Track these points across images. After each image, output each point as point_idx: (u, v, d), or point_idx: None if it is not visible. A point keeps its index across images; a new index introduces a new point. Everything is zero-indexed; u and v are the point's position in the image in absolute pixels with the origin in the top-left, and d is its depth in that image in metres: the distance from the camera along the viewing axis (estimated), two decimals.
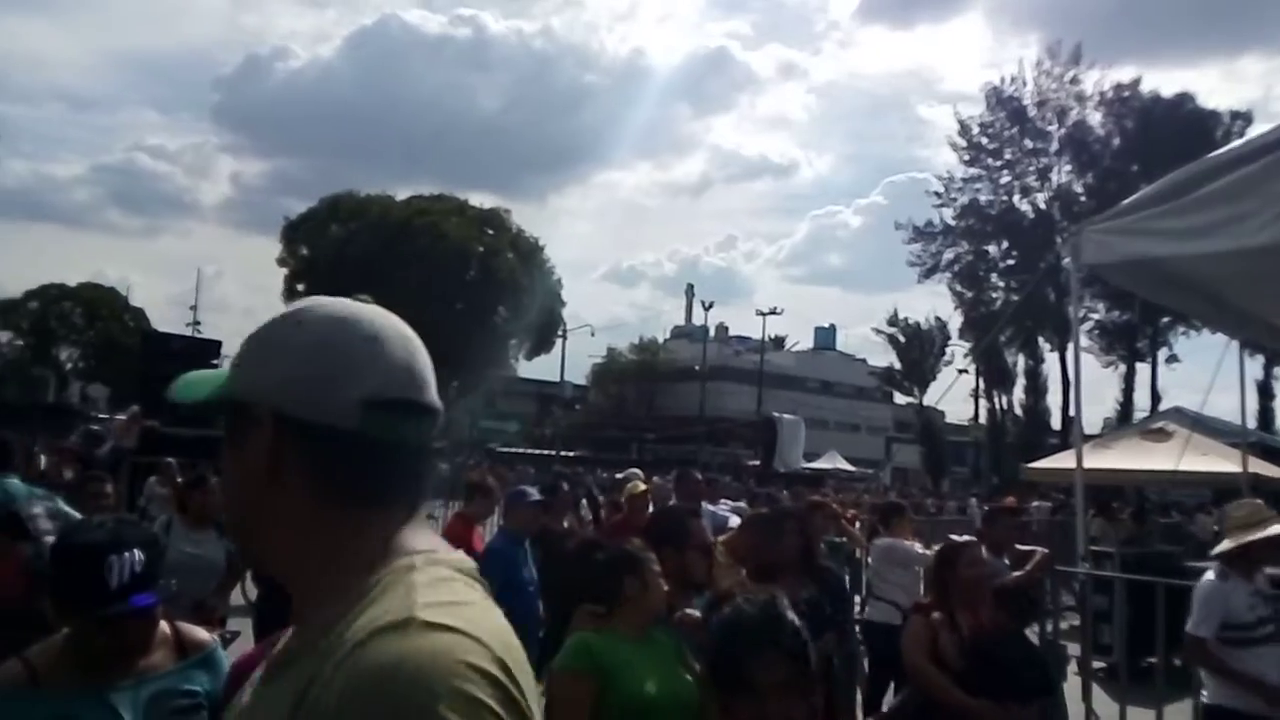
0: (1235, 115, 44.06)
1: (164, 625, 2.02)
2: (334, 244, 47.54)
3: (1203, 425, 13.68)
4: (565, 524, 6.79)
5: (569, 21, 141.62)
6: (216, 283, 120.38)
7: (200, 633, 2.11)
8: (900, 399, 64.67)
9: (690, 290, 73.92)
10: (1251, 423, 12.48)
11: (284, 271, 50.56)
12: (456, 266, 45.21)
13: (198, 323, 48.64)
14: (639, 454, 47.48)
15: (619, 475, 12.17)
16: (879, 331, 59.09)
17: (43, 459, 13.91)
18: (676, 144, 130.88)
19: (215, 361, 17.35)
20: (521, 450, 45.54)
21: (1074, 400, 8.44)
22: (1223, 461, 12.47)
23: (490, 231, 48.71)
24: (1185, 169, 6.18)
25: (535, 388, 61.21)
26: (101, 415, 34.98)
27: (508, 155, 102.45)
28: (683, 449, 47.09)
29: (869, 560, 6.37)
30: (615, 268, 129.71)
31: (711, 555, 3.24)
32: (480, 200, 53.45)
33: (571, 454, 42.81)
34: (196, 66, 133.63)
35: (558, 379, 52.67)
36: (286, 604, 3.74)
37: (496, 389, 55.68)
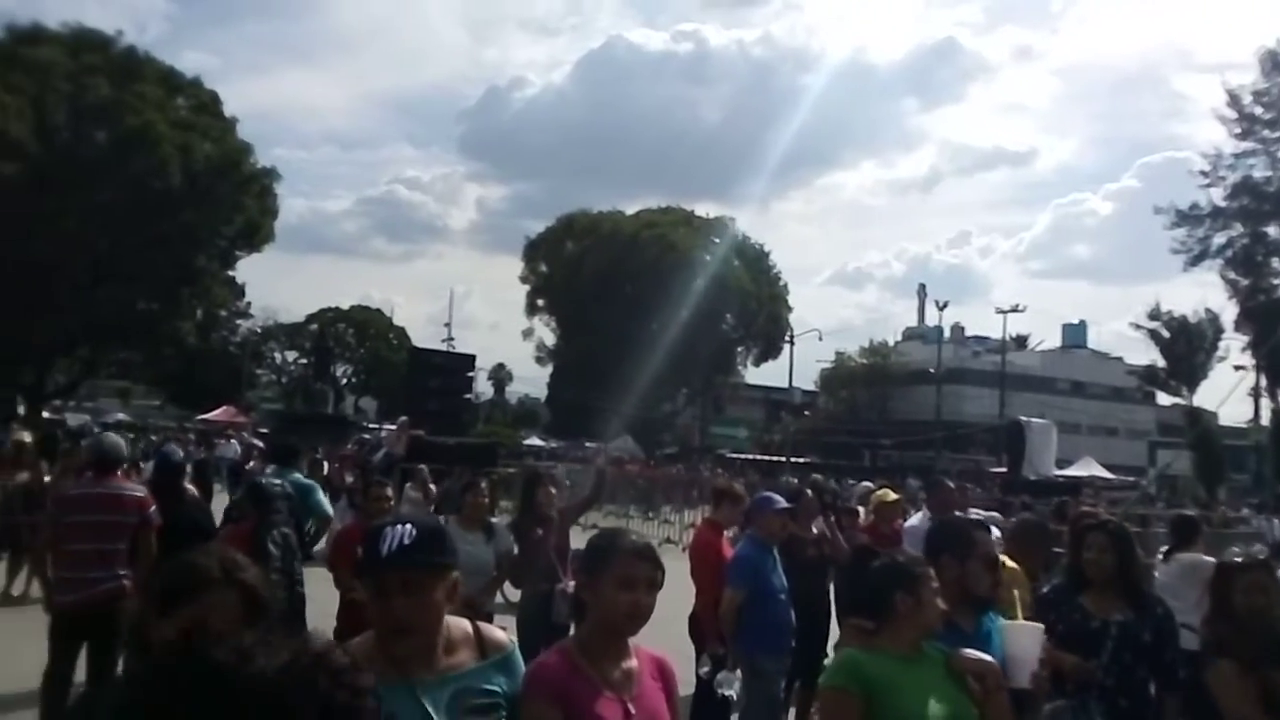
0: None
1: (466, 625, 2.16)
2: (570, 260, 49.78)
3: None
4: (814, 531, 6.69)
5: (789, 26, 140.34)
6: (466, 301, 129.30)
7: (500, 634, 2.23)
8: (1164, 399, 58.84)
9: (922, 290, 71.07)
10: None
11: (525, 288, 53.55)
12: (684, 276, 45.98)
13: (451, 338, 52.34)
14: (871, 460, 46.17)
15: (850, 482, 11.90)
16: (1138, 326, 53.96)
17: (325, 465, 15.52)
18: (903, 139, 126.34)
19: (470, 374, 18.71)
20: (750, 456, 45.49)
21: None
22: None
23: (716, 240, 49.24)
24: None
25: (763, 394, 61.00)
26: (372, 425, 38.47)
27: (731, 164, 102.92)
28: (919, 455, 45.26)
29: (1156, 577, 5.77)
30: (841, 270, 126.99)
31: (998, 569, 3.03)
32: (706, 210, 54.15)
33: (801, 460, 42.26)
34: (443, 102, 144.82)
35: (786, 385, 52.20)
36: (546, 609, 3.92)
37: (725, 396, 56.10)
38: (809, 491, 6.89)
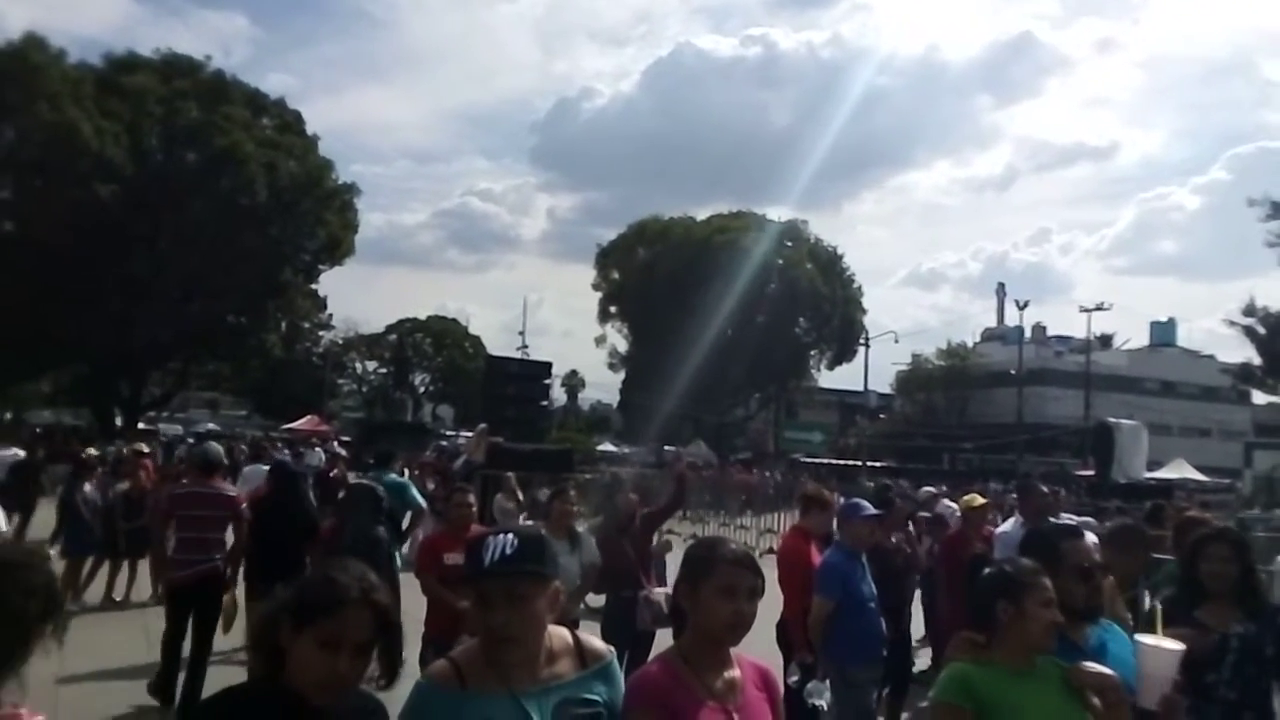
0: None
1: (567, 635, 2.16)
2: (642, 266, 49.94)
3: None
4: (894, 540, 6.57)
5: (858, 26, 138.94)
6: (539, 309, 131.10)
7: (600, 644, 2.23)
8: (1260, 398, 56.26)
9: (1001, 289, 69.52)
10: None
11: (598, 295, 53.89)
12: (757, 280, 45.70)
13: (525, 346, 53.03)
14: (951, 464, 45.21)
15: (927, 488, 11.63)
16: (1231, 323, 51.72)
17: (405, 471, 15.81)
18: (977, 137, 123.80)
19: (546, 381, 18.89)
20: (826, 461, 44.99)
21: None
22: None
23: (789, 244, 48.86)
24: None
25: (838, 397, 60.27)
26: (449, 432, 39.12)
27: (802, 167, 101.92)
28: (1000, 459, 44.16)
29: None
30: (915, 271, 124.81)
31: (1094, 580, 2.92)
32: (778, 214, 53.77)
33: (877, 464, 41.58)
34: (515, 114, 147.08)
35: (860, 388, 51.46)
36: (629, 616, 3.92)
37: (799, 400, 55.57)
38: (897, 499, 6.76)
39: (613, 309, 53.21)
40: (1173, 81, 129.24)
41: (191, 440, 24.91)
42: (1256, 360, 51.14)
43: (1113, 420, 29.93)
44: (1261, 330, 50.17)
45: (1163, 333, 66.84)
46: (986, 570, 2.70)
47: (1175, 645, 2.70)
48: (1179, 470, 33.57)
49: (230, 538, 6.52)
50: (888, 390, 62.51)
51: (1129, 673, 2.71)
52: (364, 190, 46.40)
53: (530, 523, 7.79)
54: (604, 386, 76.74)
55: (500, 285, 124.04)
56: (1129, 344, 63.14)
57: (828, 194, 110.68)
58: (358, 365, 63.02)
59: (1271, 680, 3.48)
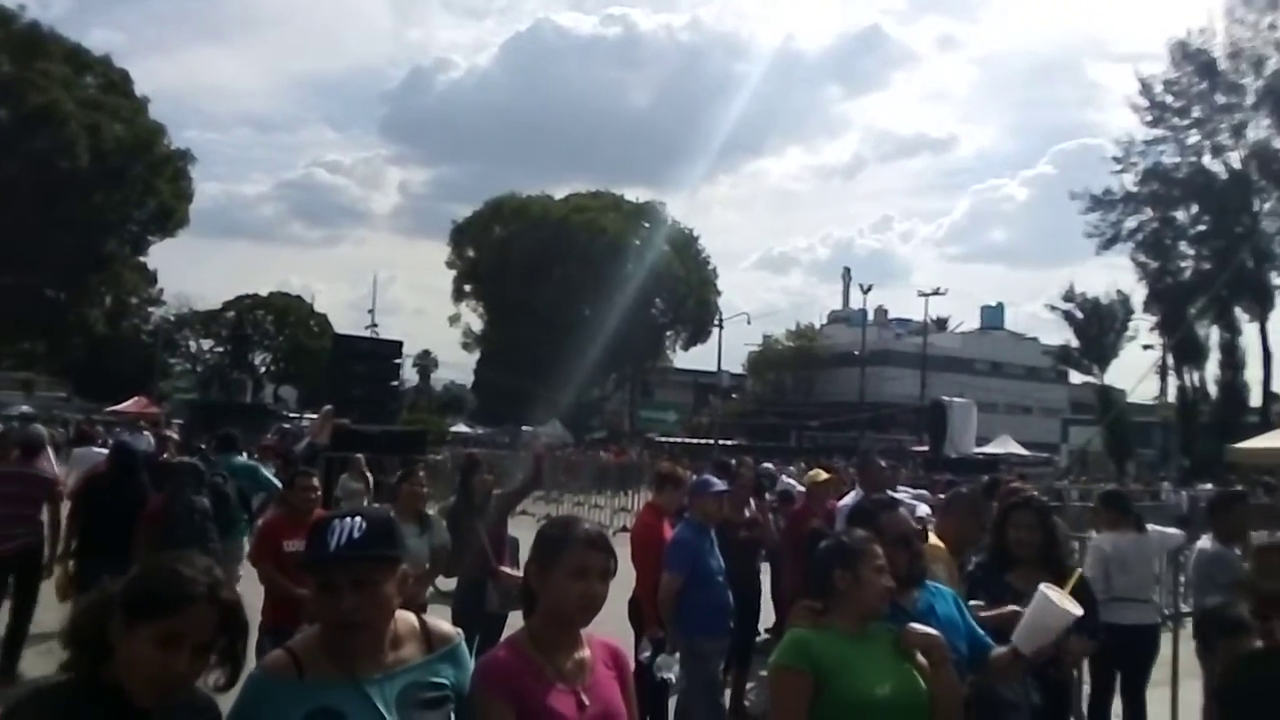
0: None
1: (412, 618, 2.10)
2: (498, 244, 49.32)
3: None
4: (745, 514, 6.73)
5: (717, 12, 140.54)
6: (389, 286, 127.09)
7: (446, 627, 2.17)
8: (1076, 378, 61.06)
9: (847, 274, 72.41)
10: None
11: (452, 273, 52.86)
12: (614, 261, 45.93)
13: (375, 325, 51.39)
14: (798, 441, 46.91)
15: (765, 464, 12.03)
16: (1052, 308, 55.82)
17: (244, 455, 15.06)
18: (828, 126, 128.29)
19: (397, 361, 18.35)
20: (679, 440, 45.84)
21: None
22: None
23: (646, 225, 49.31)
24: None
25: (692, 378, 61.43)
26: (293, 414, 37.53)
27: (660, 149, 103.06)
28: (844, 436, 46.16)
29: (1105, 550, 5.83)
30: (767, 255, 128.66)
31: (914, 547, 3.06)
32: (635, 195, 54.16)
33: (729, 442, 42.70)
34: (365, 83, 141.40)
35: (714, 368, 52.63)
36: (479, 599, 3.87)
37: (654, 380, 56.38)
38: (744, 474, 6.94)
39: (467, 287, 52.38)
40: (1006, 79, 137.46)
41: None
42: (1074, 343, 55.39)
43: (946, 399, 31.74)
44: (1079, 315, 54.30)
45: (992, 316, 71.24)
46: (824, 542, 2.79)
47: (1074, 609, 2.83)
48: (1004, 445, 35.89)
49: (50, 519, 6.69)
50: (740, 370, 64.22)
51: (955, 633, 2.87)
52: (199, 158, 43.75)
53: (377, 505, 7.58)
54: (458, 367, 75.62)
55: (348, 261, 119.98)
56: (962, 327, 67.21)
57: (685, 177, 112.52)
58: (192, 344, 59.67)
59: (1082, 638, 3.66)
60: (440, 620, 2.21)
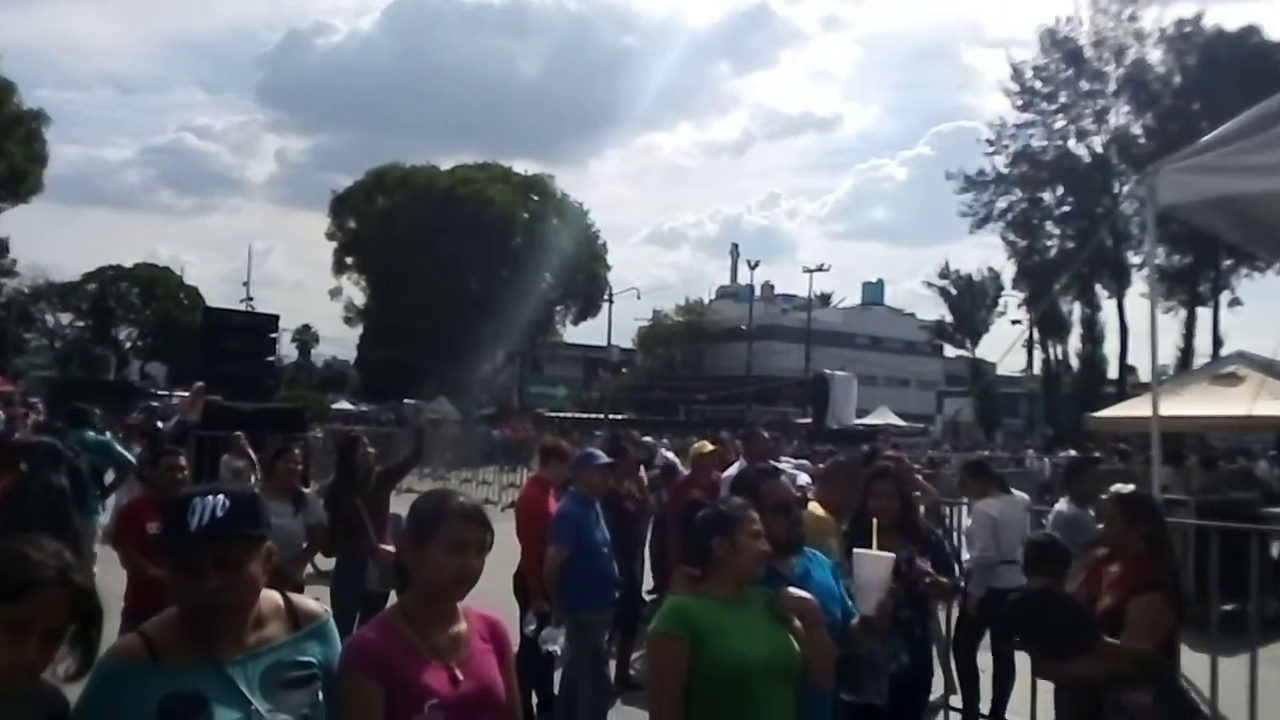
0: None
1: (276, 597, 2.01)
2: (381, 216, 47.95)
3: (1274, 369, 13.25)
4: (627, 486, 6.77)
5: None
6: (266, 259, 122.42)
7: (312, 604, 2.09)
8: (950, 352, 63.81)
9: (735, 250, 73.39)
10: None
11: (333, 245, 51.18)
12: (502, 233, 45.30)
13: (250, 298, 49.42)
14: (687, 415, 47.52)
15: (644, 438, 12.16)
16: (929, 285, 58.20)
17: (108, 434, 14.30)
18: (717, 103, 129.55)
19: (273, 335, 17.66)
20: (569, 415, 45.84)
21: (1150, 345, 8.20)
22: None
23: (535, 198, 48.76)
24: (1268, 101, 5.89)
25: (582, 352, 61.40)
26: (161, 392, 35.80)
27: (549, 121, 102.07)
28: (731, 409, 46.97)
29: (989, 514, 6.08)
30: (657, 230, 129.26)
31: (793, 514, 3.14)
32: (524, 167, 53.51)
33: (619, 417, 42.95)
34: (239, 45, 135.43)
35: (604, 343, 52.73)
36: (360, 578, 3.78)
37: (543, 355, 56.07)
38: (629, 447, 6.97)
39: (349, 260, 50.83)
40: (888, 60, 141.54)
41: None
42: (949, 318, 57.82)
43: (828, 372, 32.71)
44: (953, 291, 56.68)
45: (872, 293, 73.57)
46: (702, 511, 2.84)
47: (886, 555, 3.00)
48: (883, 417, 37.21)
49: None
50: (630, 345, 64.55)
51: (829, 599, 2.95)
52: (55, 119, 40.76)
53: (240, 482, 7.32)
54: (340, 342, 73.39)
55: (222, 232, 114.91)
56: (844, 303, 69.27)
57: (575, 150, 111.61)
58: (49, 318, 56.08)
59: (929, 598, 4.07)
60: (306, 598, 2.13)
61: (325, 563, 6.21)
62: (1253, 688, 5.02)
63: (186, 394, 12.69)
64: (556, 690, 5.49)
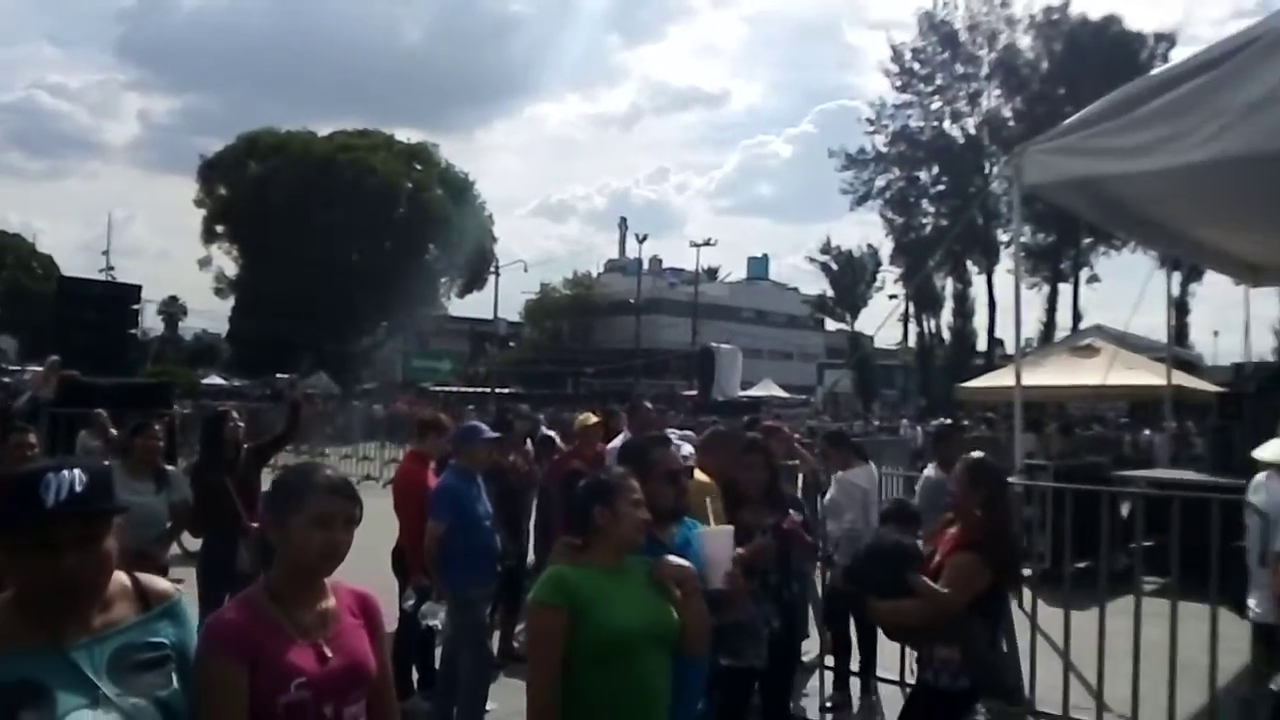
0: (1159, 37, 44.99)
1: (123, 577, 1.90)
2: (254, 183, 45.89)
3: (1126, 342, 14.14)
4: (512, 459, 6.72)
5: None
6: (129, 226, 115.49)
7: (162, 583, 1.98)
8: (831, 325, 65.71)
9: (623, 223, 73.51)
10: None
11: (201, 212, 48.78)
12: (384, 203, 44.03)
13: (111, 268, 46.79)
14: (575, 389, 47.50)
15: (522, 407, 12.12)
16: (811, 260, 59.75)
17: None
18: (606, 75, 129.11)
19: (135, 306, 16.73)
20: (455, 389, 45.19)
21: (1014, 319, 8.67)
22: (1147, 375, 12.93)
23: (418, 167, 47.48)
24: (1126, 87, 6.22)
25: (468, 325, 60.56)
26: (12, 367, 33.48)
27: (434, 88, 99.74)
28: (619, 382, 47.20)
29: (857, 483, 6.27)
30: (545, 202, 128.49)
31: (680, 483, 3.19)
32: (407, 135, 51.98)
33: (506, 391, 42.60)
34: None
35: (491, 316, 52.08)
36: (229, 558, 3.62)
37: (428, 328, 54.99)
38: (515, 420, 6.92)
39: (219, 229, 48.54)
40: (774, 38, 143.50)
41: None
42: (830, 293, 59.52)
43: (714, 345, 33.21)
44: (834, 267, 58.31)
45: (757, 267, 74.95)
46: (583, 481, 2.84)
47: (725, 528, 3.08)
48: (767, 389, 38.01)
49: None
50: (517, 318, 63.99)
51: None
52: None
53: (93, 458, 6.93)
54: (210, 314, 70.09)
55: (78, 197, 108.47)
56: (730, 277, 70.34)
57: (460, 119, 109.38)
58: None
59: (793, 560, 4.29)
60: (155, 577, 2.02)
61: (194, 543, 5.95)
62: (1101, 638, 5.35)
63: (40, 369, 11.92)
64: (438, 665, 5.43)
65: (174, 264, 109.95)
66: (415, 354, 54.35)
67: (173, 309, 59.79)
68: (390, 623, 5.42)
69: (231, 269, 49.62)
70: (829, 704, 5.73)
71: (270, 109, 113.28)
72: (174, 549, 8.71)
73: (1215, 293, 59.43)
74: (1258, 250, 9.69)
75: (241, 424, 6.15)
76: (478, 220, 49.69)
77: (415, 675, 5.79)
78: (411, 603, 5.16)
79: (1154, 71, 6.64)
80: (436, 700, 5.19)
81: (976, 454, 3.98)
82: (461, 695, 4.89)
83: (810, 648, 5.99)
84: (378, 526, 5.73)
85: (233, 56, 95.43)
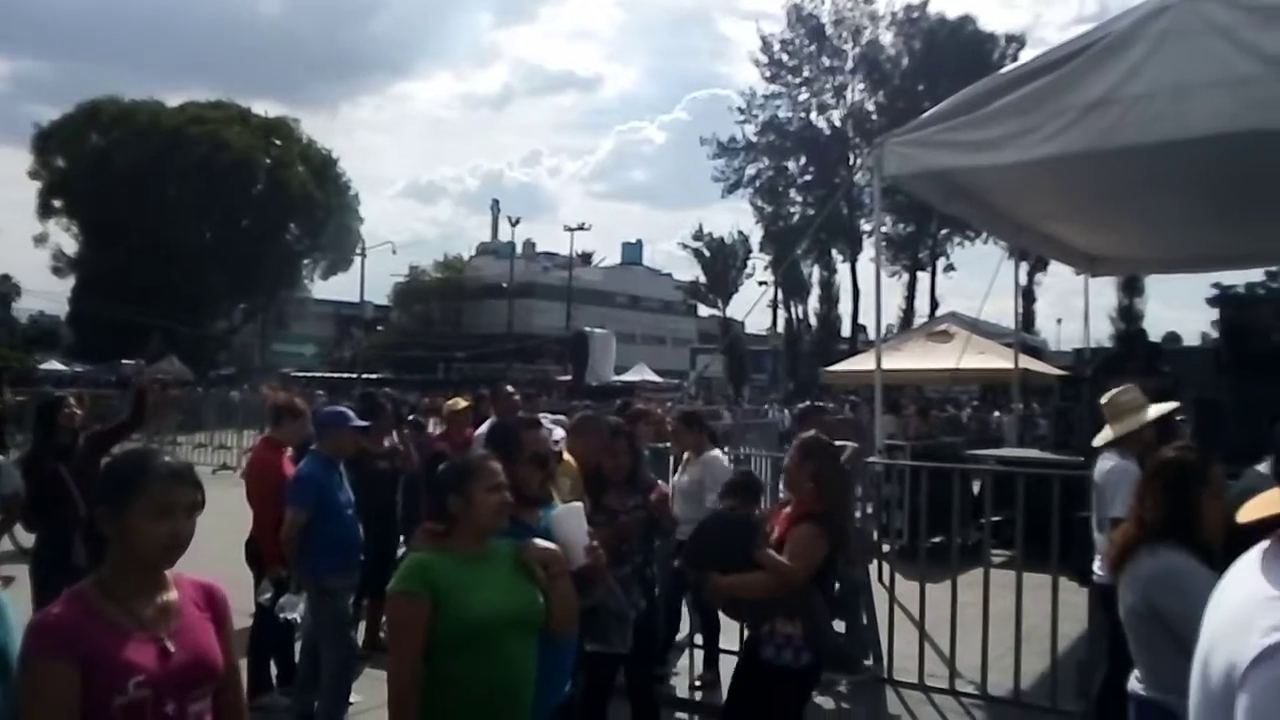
0: (1010, 39, 47.60)
1: None
2: (95, 155, 42.91)
3: (978, 328, 14.91)
4: (385, 445, 6.53)
5: None
6: None
7: None
8: (704, 311, 66.75)
9: (496, 206, 72.59)
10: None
11: (36, 185, 45.33)
12: (240, 180, 41.93)
13: None
14: (446, 374, 46.71)
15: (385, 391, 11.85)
16: (685, 246, 60.51)
17: None
18: (477, 54, 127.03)
19: None
20: (320, 375, 43.68)
21: (875, 306, 9.02)
22: (997, 360, 13.67)
23: (277, 142, 45.34)
24: (978, 85, 6.50)
25: (333, 309, 58.62)
26: None
27: (294, 61, 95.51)
28: (491, 367, 46.68)
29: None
30: (415, 183, 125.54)
31: (548, 466, 3.16)
32: (265, 109, 49.46)
33: (373, 376, 41.46)
34: None
35: (357, 299, 50.47)
36: (65, 553, 3.40)
37: (290, 311, 52.88)
38: (385, 405, 6.71)
39: (57, 203, 45.22)
40: (647, 24, 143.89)
41: None
42: (703, 279, 60.43)
43: (588, 330, 33.20)
44: (707, 253, 59.22)
45: (631, 253, 75.30)
46: (441, 466, 2.80)
47: (574, 505, 3.08)
48: (640, 373, 38.29)
49: None
50: (385, 302, 62.36)
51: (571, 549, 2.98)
52: None
53: None
54: (48, 295, 65.30)
55: None
56: (604, 262, 70.40)
57: (323, 94, 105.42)
58: None
59: (654, 538, 4.44)
60: None
61: (28, 537, 5.55)
62: (954, 609, 5.62)
63: None
64: (298, 658, 5.23)
65: (6, 240, 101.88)
66: (277, 337, 52.24)
67: (5, 288, 55.42)
68: (246, 617, 5.20)
69: (71, 246, 46.40)
70: (699, 682, 5.81)
71: (112, 77, 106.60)
72: (5, 544, 8.14)
73: (1059, 282, 63.51)
74: (1096, 242, 10.36)
75: (79, 410, 5.75)
76: (342, 200, 47.90)
77: (274, 671, 5.56)
78: (268, 596, 4.95)
79: (1003, 70, 6.94)
80: (298, 695, 5.01)
81: (809, 433, 4.13)
82: (324, 689, 4.73)
83: (680, 627, 6.07)
84: (234, 517, 5.50)
85: (70, 19, 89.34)
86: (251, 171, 43.19)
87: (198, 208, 39.75)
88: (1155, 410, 4.72)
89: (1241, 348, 9.51)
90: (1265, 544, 1.49)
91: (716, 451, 6.12)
